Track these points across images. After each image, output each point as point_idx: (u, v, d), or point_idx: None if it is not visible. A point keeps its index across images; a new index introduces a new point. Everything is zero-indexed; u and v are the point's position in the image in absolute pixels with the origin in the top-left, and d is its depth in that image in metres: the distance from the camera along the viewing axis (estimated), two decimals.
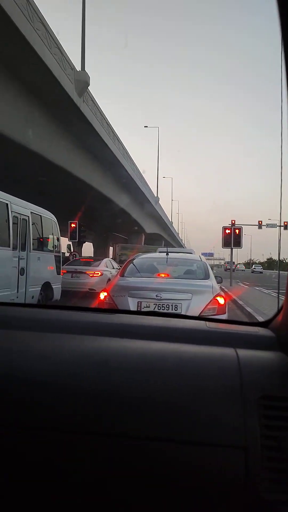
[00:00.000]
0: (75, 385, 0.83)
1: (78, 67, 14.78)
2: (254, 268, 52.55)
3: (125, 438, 0.77)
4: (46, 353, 0.92)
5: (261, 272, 38.47)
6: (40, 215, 8.60)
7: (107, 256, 30.93)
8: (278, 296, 1.35)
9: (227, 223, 17.70)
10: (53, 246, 9.24)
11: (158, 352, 0.92)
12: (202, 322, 1.16)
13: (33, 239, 8.01)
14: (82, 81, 14.31)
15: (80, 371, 0.86)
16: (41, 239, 8.59)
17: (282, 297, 1.01)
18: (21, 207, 7.70)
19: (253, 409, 0.77)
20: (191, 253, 9.11)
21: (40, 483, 0.77)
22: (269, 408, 0.78)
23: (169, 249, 7.46)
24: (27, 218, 7.83)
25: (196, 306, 4.05)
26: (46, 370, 0.87)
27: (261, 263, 72.41)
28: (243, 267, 57.09)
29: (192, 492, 0.74)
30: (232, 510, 0.73)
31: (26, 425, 0.79)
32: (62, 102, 13.48)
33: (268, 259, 75.25)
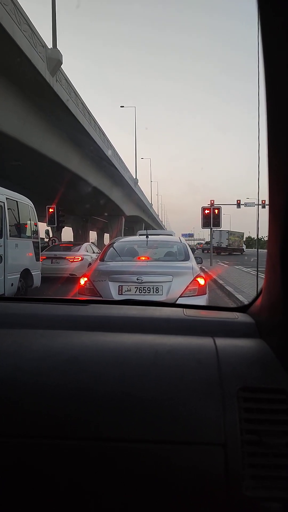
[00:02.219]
0: (40, 384, 0.78)
1: (50, 45, 14.19)
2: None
3: (95, 440, 0.72)
4: (9, 352, 0.86)
5: None
6: (16, 201, 8.37)
7: (87, 240, 30.81)
8: (257, 278, 1.32)
9: (207, 204, 17.75)
10: (31, 232, 9.05)
11: (133, 346, 0.88)
12: (180, 309, 1.12)
13: (10, 225, 7.80)
14: (55, 59, 13.73)
15: (45, 369, 0.81)
16: (18, 225, 8.38)
17: (262, 275, 0.97)
18: None
19: (232, 402, 0.74)
20: (171, 235, 9.12)
21: (7, 492, 0.72)
22: (249, 400, 0.75)
23: (150, 231, 7.44)
24: (2, 204, 7.60)
25: (177, 288, 4.07)
26: (7, 369, 0.81)
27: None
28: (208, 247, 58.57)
29: (172, 493, 0.70)
30: (214, 509, 0.70)
31: None
32: (34, 82, 12.94)
33: (247, 237, 76.34)
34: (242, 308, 1.13)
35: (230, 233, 38.76)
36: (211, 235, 19.03)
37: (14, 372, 0.81)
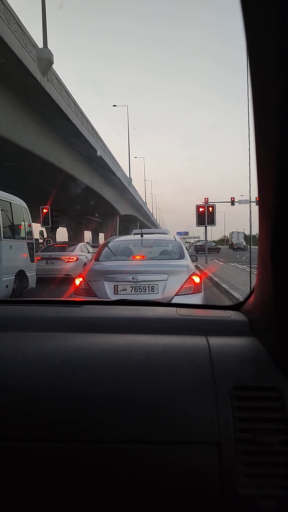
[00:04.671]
0: (33, 387, 0.78)
1: (40, 45, 14.10)
2: (197, 242, 57.50)
3: (89, 442, 0.72)
4: (1, 355, 0.85)
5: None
6: (10, 202, 8.32)
7: (82, 240, 30.77)
8: (250, 276, 1.33)
9: (201, 202, 17.77)
10: (25, 233, 9.01)
11: (126, 346, 0.87)
12: (173, 309, 1.12)
13: (3, 227, 7.76)
14: (45, 59, 13.65)
15: (38, 372, 0.80)
16: (12, 227, 8.34)
17: (255, 271, 0.97)
18: None
19: (226, 401, 0.74)
20: (166, 234, 9.12)
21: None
22: (242, 398, 0.75)
23: (144, 230, 7.43)
24: None
25: (172, 287, 4.07)
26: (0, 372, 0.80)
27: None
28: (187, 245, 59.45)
29: (167, 492, 0.70)
30: (209, 508, 0.70)
31: None
32: (25, 82, 12.85)
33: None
34: (236, 306, 1.13)
35: (244, 233, 50.73)
36: (206, 233, 19.06)
37: (6, 375, 0.80)
